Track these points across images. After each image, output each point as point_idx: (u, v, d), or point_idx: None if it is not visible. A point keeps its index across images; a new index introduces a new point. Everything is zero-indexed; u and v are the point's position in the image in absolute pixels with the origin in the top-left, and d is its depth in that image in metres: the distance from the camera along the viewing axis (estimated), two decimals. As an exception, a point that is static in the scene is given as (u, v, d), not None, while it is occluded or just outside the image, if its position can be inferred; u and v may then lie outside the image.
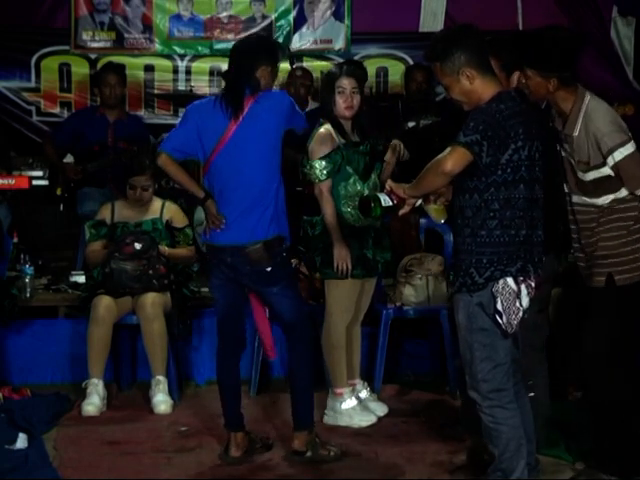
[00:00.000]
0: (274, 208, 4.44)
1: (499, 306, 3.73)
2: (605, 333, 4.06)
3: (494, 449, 3.88)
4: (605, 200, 4.08)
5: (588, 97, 4.06)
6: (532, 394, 4.18)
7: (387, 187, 3.94)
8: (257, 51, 4.49)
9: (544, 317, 4.55)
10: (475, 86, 3.76)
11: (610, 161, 3.99)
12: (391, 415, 5.28)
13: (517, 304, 3.74)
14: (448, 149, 3.68)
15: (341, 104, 5.00)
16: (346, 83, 5.01)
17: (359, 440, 4.92)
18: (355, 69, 5.23)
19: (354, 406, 5.13)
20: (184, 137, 4.48)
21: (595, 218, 4.11)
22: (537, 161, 3.79)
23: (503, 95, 3.75)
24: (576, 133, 4.05)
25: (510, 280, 3.74)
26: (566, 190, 4.22)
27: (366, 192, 4.99)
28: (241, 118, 4.39)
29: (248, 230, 4.41)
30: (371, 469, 4.55)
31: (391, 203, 3.90)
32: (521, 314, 3.76)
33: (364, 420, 5.11)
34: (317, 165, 4.96)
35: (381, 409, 5.25)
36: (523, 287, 3.75)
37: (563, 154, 4.18)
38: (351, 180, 5.02)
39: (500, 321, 3.74)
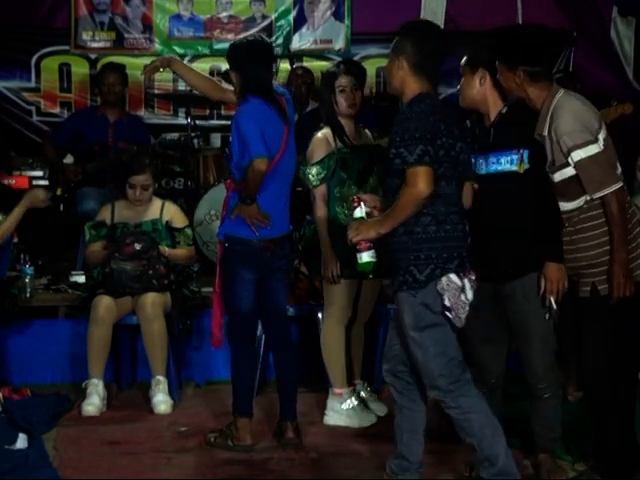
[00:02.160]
0: None
1: (447, 302, 3.77)
2: (602, 337, 4.03)
3: (472, 440, 3.89)
4: (578, 204, 4.00)
5: (560, 94, 3.98)
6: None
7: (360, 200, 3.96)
8: (271, 54, 4.78)
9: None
10: (403, 77, 3.90)
11: (570, 161, 3.92)
12: (391, 415, 5.26)
13: (463, 298, 3.79)
14: (410, 175, 3.70)
15: (343, 102, 5.00)
16: (346, 81, 5.01)
17: (359, 440, 4.92)
18: (353, 67, 5.22)
19: (354, 406, 5.13)
20: (262, 139, 4.51)
21: (574, 223, 4.02)
22: (459, 160, 3.87)
23: (423, 95, 3.86)
24: (545, 132, 3.97)
25: (453, 276, 3.78)
26: None
27: (360, 194, 5.00)
28: (288, 120, 4.65)
29: (288, 220, 4.78)
30: (371, 469, 4.55)
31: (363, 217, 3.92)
32: (467, 307, 3.81)
33: (364, 420, 5.11)
34: (310, 171, 4.98)
35: (381, 409, 5.25)
36: (466, 281, 3.82)
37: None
38: (345, 184, 5.02)
39: (450, 316, 3.79)
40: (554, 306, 4.02)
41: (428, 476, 4.40)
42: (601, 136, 3.93)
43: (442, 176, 3.79)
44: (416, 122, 3.75)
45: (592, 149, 3.89)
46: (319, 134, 5.03)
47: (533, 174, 4.02)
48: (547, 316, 4.10)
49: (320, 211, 5.02)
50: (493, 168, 4.08)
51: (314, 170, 4.98)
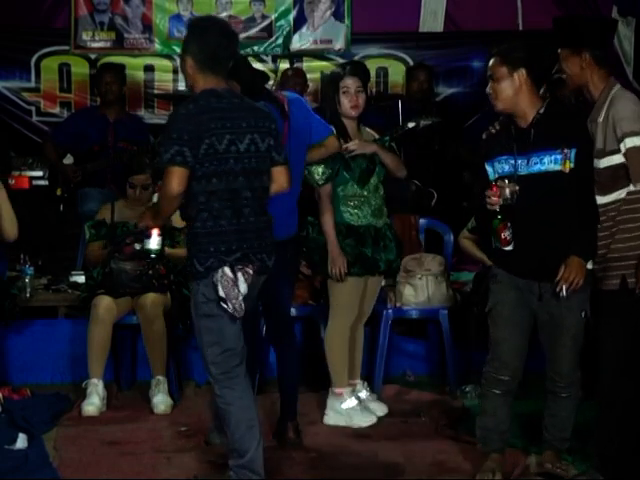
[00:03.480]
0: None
1: (221, 293, 3.91)
2: (622, 334, 4.03)
3: (227, 430, 4.06)
4: (619, 195, 4.02)
5: (618, 86, 4.09)
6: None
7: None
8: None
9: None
10: (193, 75, 4.04)
11: (622, 147, 3.96)
12: (391, 415, 5.28)
13: (236, 290, 3.93)
14: (164, 174, 3.92)
15: (346, 104, 5.04)
16: (350, 82, 5.03)
17: (359, 440, 4.92)
18: (358, 68, 5.26)
19: (354, 406, 5.13)
20: None
21: (612, 217, 4.04)
22: (244, 153, 3.98)
23: (206, 92, 3.97)
24: (601, 119, 4.02)
25: (227, 269, 3.93)
26: None
27: (365, 194, 5.07)
28: (288, 117, 4.65)
29: (294, 222, 4.80)
30: (371, 469, 4.55)
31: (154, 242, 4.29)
32: (241, 299, 3.93)
33: (364, 420, 5.11)
34: (316, 170, 4.98)
35: (381, 409, 5.25)
36: (240, 275, 3.95)
37: None
38: (349, 184, 5.07)
39: (225, 306, 3.92)
40: (564, 293, 4.02)
41: (431, 476, 4.41)
42: None
43: (213, 173, 3.93)
44: (178, 123, 3.92)
45: None
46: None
47: (577, 173, 4.03)
48: (583, 314, 4.12)
49: (326, 209, 5.03)
50: (536, 168, 4.07)
51: (320, 169, 4.97)
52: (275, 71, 7.81)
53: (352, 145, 5.04)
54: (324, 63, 8.20)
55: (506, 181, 4.05)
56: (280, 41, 8.18)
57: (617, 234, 4.04)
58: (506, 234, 4.07)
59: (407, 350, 6.14)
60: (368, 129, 5.30)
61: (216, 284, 3.92)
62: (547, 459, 4.35)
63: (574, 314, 4.12)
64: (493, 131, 4.27)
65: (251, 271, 4.00)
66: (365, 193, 5.08)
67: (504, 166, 4.13)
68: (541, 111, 4.10)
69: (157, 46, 8.18)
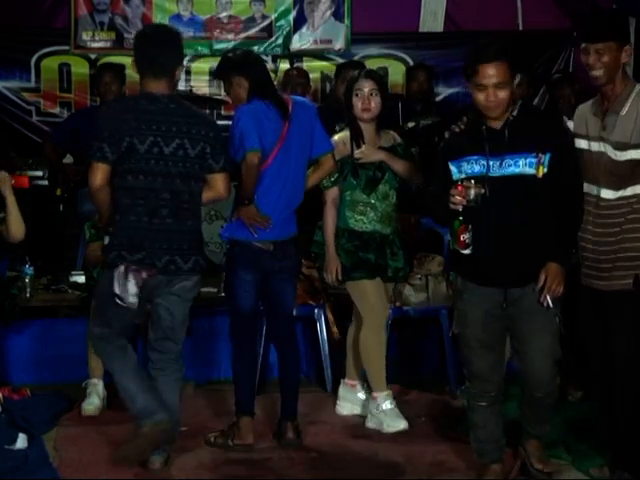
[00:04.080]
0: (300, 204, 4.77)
1: (115, 289, 4.17)
2: (634, 334, 3.99)
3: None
4: (633, 191, 3.97)
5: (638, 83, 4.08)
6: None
7: None
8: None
9: None
10: (139, 80, 4.31)
11: None
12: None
13: (126, 290, 4.18)
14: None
15: (359, 106, 4.98)
16: (364, 85, 4.98)
17: (359, 440, 4.92)
18: (374, 71, 5.26)
19: (389, 409, 5.02)
20: (257, 134, 4.55)
21: (623, 213, 3.99)
22: (169, 156, 4.18)
23: (141, 94, 4.25)
24: (624, 112, 3.97)
25: (122, 268, 4.18)
26: (588, 189, 4.09)
27: (372, 201, 5.03)
28: (290, 118, 4.63)
29: (293, 223, 4.76)
30: (371, 469, 4.55)
31: None
32: (132, 296, 4.17)
33: (392, 426, 4.98)
34: None
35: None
36: (131, 276, 4.17)
37: (591, 148, 4.07)
38: (356, 190, 5.03)
39: (118, 300, 4.18)
40: (550, 304, 3.99)
41: (431, 476, 4.41)
42: None
43: (129, 171, 4.16)
44: (101, 121, 4.27)
45: None
46: (336, 137, 5.05)
47: (551, 178, 3.98)
48: (557, 320, 4.05)
49: (329, 213, 5.02)
50: (510, 170, 4.00)
51: None
52: (275, 71, 7.81)
53: (358, 153, 5.00)
54: (324, 63, 8.20)
55: (472, 182, 3.94)
56: (280, 41, 8.19)
57: (629, 232, 3.99)
58: (465, 237, 3.98)
59: (407, 350, 6.13)
60: (392, 132, 5.21)
61: (112, 278, 4.19)
62: (531, 449, 4.31)
63: (548, 321, 4.04)
64: (457, 130, 4.22)
65: (145, 275, 4.20)
66: (372, 201, 5.03)
67: (474, 166, 4.03)
68: (514, 113, 4.06)
69: (157, 46, 8.18)
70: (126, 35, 8.14)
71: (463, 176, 4.05)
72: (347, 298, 5.21)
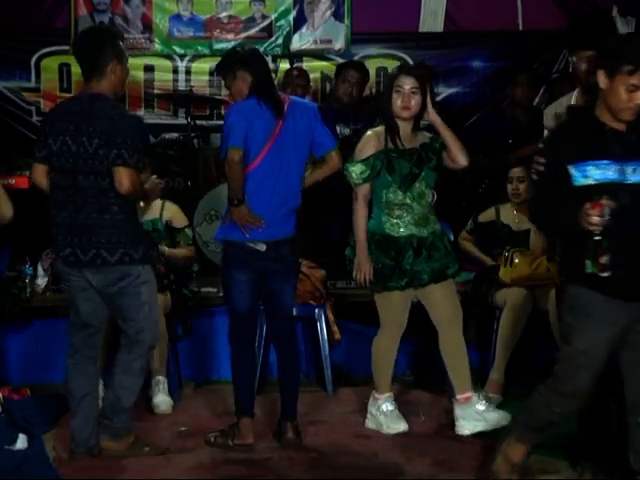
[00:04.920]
0: (298, 205, 4.74)
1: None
2: None
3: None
4: None
5: None
6: None
7: None
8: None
9: None
10: None
11: None
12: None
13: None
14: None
15: (398, 104, 4.84)
16: (405, 82, 4.84)
17: (359, 440, 4.92)
18: (416, 68, 5.14)
19: (389, 411, 5.03)
20: (243, 133, 4.54)
21: None
22: (74, 154, 4.40)
23: (104, 97, 4.46)
24: None
25: (60, 264, 4.57)
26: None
27: (407, 202, 4.88)
28: (284, 117, 4.60)
29: (290, 224, 4.70)
30: (371, 469, 4.55)
31: None
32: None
33: (392, 428, 5.00)
34: (354, 169, 4.85)
35: (504, 418, 4.87)
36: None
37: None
38: (391, 188, 4.87)
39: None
40: None
41: (431, 476, 4.41)
42: None
43: (52, 169, 4.48)
44: (41, 124, 4.75)
45: None
46: (370, 132, 4.94)
47: None
48: None
49: (360, 211, 4.89)
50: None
51: (358, 168, 4.85)
52: (275, 71, 7.80)
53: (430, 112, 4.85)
54: (324, 63, 8.20)
55: (605, 198, 3.55)
56: (280, 41, 8.19)
57: None
58: (605, 259, 3.60)
59: (407, 350, 6.13)
60: (426, 133, 5.10)
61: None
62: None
63: None
64: (569, 128, 3.92)
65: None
66: (407, 200, 4.86)
67: (606, 172, 3.67)
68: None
69: (157, 46, 8.19)
70: (126, 35, 8.11)
71: (591, 182, 3.68)
72: (347, 298, 5.20)
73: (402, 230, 4.88)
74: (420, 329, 6.10)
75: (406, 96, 4.84)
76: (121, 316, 4.58)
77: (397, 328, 5.03)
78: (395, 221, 4.89)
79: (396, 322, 5.01)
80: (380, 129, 4.93)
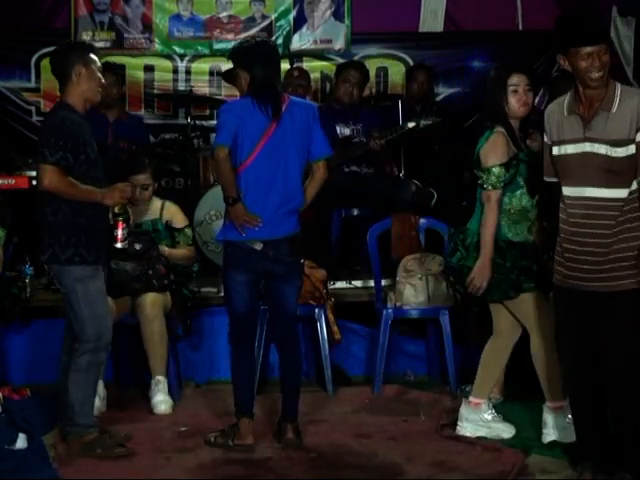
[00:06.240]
0: (300, 205, 4.71)
1: None
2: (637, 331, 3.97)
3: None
4: (630, 188, 3.96)
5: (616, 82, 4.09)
6: None
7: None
8: (278, 55, 4.82)
9: None
10: None
11: (638, 137, 3.92)
12: (391, 415, 5.28)
13: None
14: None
15: (514, 103, 4.68)
16: (519, 80, 4.70)
17: (359, 440, 4.92)
18: (526, 65, 5.03)
19: (493, 417, 4.89)
20: (232, 132, 4.55)
21: (617, 215, 3.97)
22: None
23: (62, 104, 4.68)
24: (614, 110, 3.96)
25: None
26: (568, 192, 4.08)
27: (529, 207, 4.68)
28: (281, 117, 4.58)
29: (290, 223, 4.67)
30: (371, 469, 4.55)
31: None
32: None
33: (507, 432, 4.87)
34: (496, 172, 4.59)
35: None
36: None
37: (582, 149, 4.04)
38: (518, 192, 4.66)
39: None
40: None
41: (431, 476, 4.41)
42: None
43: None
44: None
45: None
46: (498, 133, 4.66)
47: None
48: None
49: (492, 214, 4.61)
50: None
51: (499, 172, 4.60)
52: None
53: None
54: (324, 63, 8.20)
55: None
56: (280, 41, 8.18)
57: (626, 232, 3.98)
58: None
59: (407, 350, 6.14)
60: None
61: None
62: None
63: None
64: None
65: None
66: (529, 206, 4.68)
67: None
68: None
69: (157, 46, 8.18)
70: (126, 35, 8.14)
71: None
72: (347, 298, 5.20)
73: (519, 236, 4.70)
74: (420, 329, 6.16)
75: (522, 94, 4.69)
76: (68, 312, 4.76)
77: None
78: (513, 226, 4.70)
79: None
80: (500, 135, 4.66)
